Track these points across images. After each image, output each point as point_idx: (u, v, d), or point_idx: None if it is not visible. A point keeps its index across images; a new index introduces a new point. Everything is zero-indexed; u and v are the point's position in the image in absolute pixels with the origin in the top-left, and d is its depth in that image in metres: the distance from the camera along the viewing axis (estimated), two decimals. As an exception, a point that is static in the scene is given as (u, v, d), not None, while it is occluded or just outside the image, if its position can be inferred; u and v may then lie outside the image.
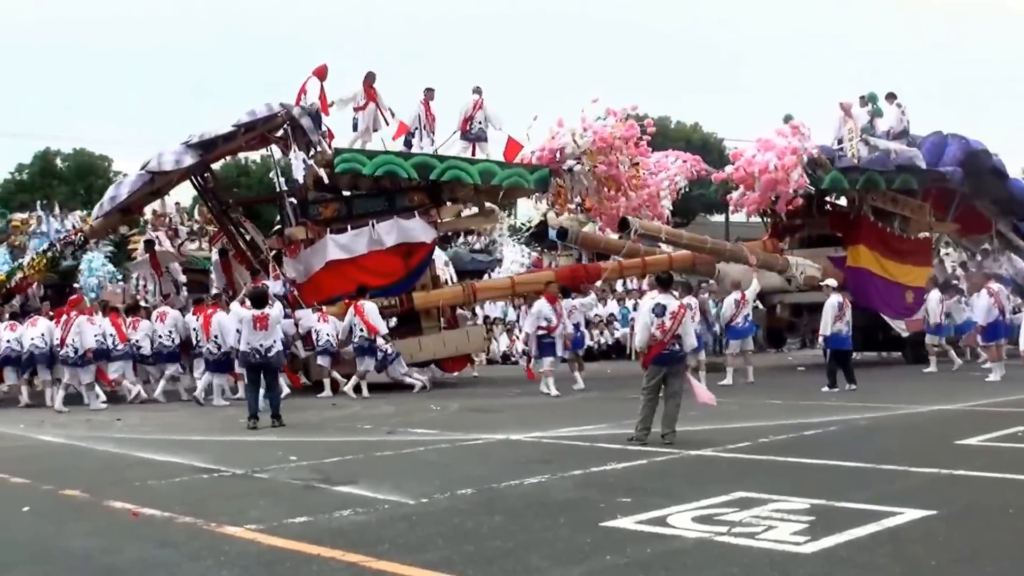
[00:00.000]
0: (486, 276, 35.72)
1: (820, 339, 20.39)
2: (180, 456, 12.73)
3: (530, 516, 8.53)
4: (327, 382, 21.56)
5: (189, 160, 22.31)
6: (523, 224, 40.35)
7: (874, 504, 8.52)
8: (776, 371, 25.44)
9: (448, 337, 23.76)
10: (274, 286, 21.60)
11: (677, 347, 12.98)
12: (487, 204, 25.71)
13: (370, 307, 21.39)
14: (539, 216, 30.53)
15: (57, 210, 31.05)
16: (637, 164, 24.60)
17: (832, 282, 20.77)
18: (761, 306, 26.69)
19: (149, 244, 27.62)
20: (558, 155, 24.19)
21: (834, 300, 19.89)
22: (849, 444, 12.80)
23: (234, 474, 11.31)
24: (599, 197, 24.77)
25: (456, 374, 24.88)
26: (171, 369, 21.79)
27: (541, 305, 21.00)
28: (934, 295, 24.28)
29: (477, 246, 40.78)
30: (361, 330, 21.19)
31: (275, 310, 16.72)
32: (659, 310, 12.88)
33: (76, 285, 27.28)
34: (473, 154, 24.30)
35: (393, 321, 23.28)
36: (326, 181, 22.71)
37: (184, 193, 31.42)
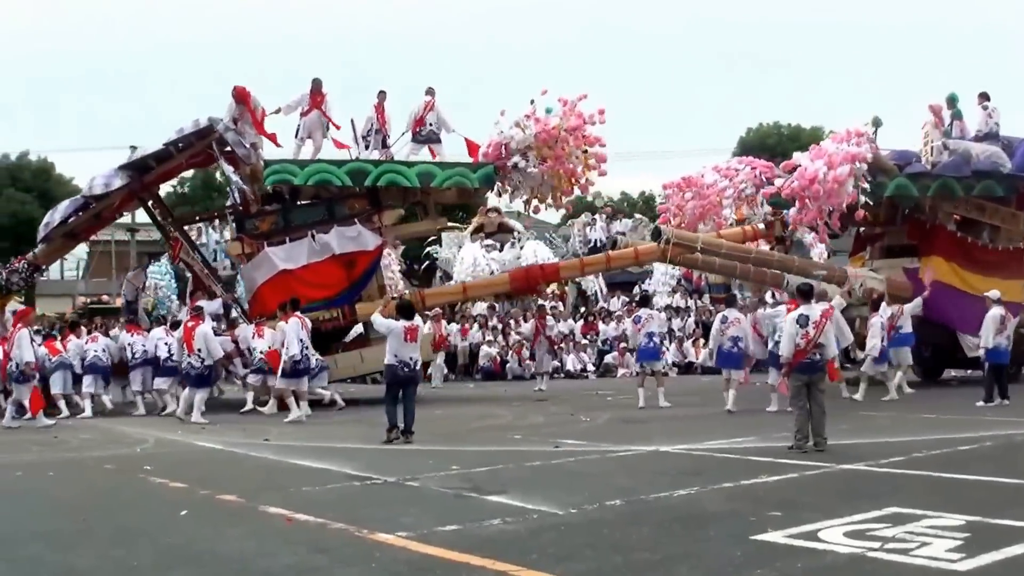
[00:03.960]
0: (636, 288, 35.66)
1: (981, 351, 19.75)
2: (333, 463, 13.02)
3: (679, 528, 8.53)
4: (273, 401, 20.55)
5: (118, 183, 22.60)
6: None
7: (1032, 522, 8.32)
8: (929, 385, 24.79)
9: None
10: (211, 304, 21.83)
11: (818, 356, 13.47)
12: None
13: (293, 323, 19.80)
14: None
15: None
16: (586, 151, 23.59)
17: (995, 293, 20.11)
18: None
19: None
20: (503, 151, 23.54)
21: (996, 312, 19.39)
22: (1005, 460, 12.50)
23: (386, 482, 11.52)
24: (554, 192, 24.09)
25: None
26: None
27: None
28: None
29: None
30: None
31: (420, 321, 16.57)
32: (803, 320, 13.50)
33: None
34: (433, 156, 23.95)
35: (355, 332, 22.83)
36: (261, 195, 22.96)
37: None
